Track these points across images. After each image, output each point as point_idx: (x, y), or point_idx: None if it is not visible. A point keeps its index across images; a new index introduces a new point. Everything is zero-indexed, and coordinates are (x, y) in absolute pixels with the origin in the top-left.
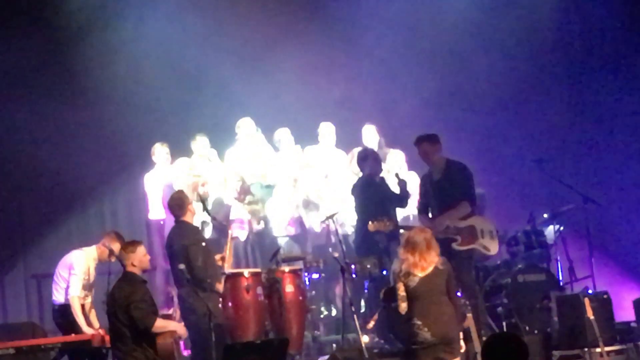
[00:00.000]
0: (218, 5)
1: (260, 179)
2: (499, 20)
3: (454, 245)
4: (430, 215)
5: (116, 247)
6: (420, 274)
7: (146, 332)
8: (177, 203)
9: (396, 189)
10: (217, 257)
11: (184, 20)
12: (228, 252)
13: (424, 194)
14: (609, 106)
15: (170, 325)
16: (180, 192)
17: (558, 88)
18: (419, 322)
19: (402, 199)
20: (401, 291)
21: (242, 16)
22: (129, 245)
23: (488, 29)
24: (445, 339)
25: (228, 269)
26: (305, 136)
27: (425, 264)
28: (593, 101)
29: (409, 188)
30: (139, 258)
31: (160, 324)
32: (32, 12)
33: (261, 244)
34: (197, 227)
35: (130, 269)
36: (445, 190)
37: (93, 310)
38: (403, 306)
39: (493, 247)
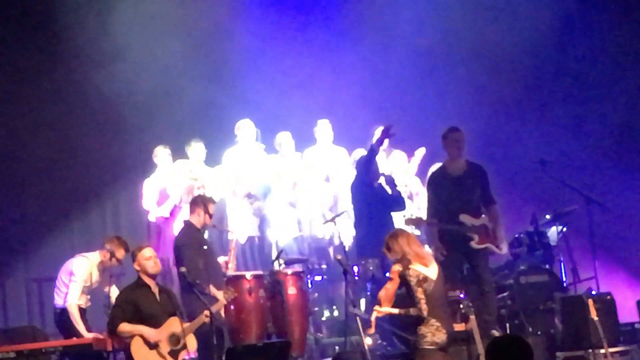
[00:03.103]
0: (221, 6)
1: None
2: (502, 20)
3: (473, 244)
4: (447, 211)
5: (119, 251)
6: (432, 276)
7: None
8: (192, 201)
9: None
10: (221, 260)
11: (184, 22)
12: (232, 256)
13: (437, 189)
14: (612, 106)
15: (134, 330)
16: (207, 197)
17: (561, 88)
18: (438, 324)
19: (397, 200)
20: (421, 294)
21: (244, 16)
22: (134, 249)
23: (491, 28)
24: (452, 338)
25: (232, 272)
26: (306, 139)
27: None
28: (596, 101)
29: (402, 189)
30: (139, 261)
31: (125, 329)
32: (32, 16)
33: (261, 246)
34: (198, 230)
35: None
36: (469, 187)
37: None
38: (425, 308)
39: (504, 247)
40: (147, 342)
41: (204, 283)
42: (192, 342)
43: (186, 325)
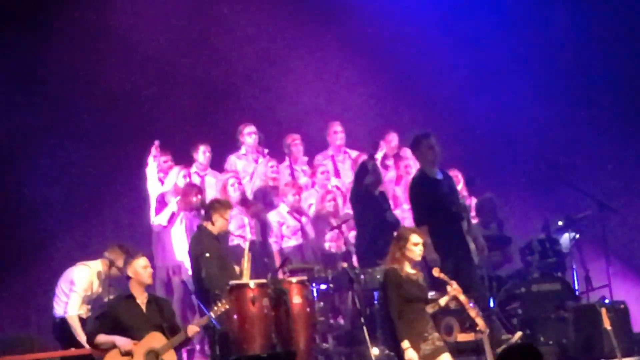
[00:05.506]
0: (224, 9)
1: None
2: (515, 22)
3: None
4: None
5: (120, 260)
6: None
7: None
8: (205, 206)
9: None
10: (237, 269)
11: (189, 24)
12: (246, 264)
13: (430, 193)
14: (626, 109)
15: (110, 340)
16: (222, 200)
17: (574, 93)
18: None
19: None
20: None
21: (250, 19)
22: (128, 256)
23: (497, 28)
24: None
25: (247, 279)
26: (317, 142)
27: None
28: (610, 105)
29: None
30: (134, 270)
31: (100, 340)
32: (31, 15)
33: (263, 253)
34: (213, 236)
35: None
36: (455, 191)
37: None
38: None
39: None
40: (121, 356)
41: (223, 293)
42: (171, 358)
43: (167, 341)
